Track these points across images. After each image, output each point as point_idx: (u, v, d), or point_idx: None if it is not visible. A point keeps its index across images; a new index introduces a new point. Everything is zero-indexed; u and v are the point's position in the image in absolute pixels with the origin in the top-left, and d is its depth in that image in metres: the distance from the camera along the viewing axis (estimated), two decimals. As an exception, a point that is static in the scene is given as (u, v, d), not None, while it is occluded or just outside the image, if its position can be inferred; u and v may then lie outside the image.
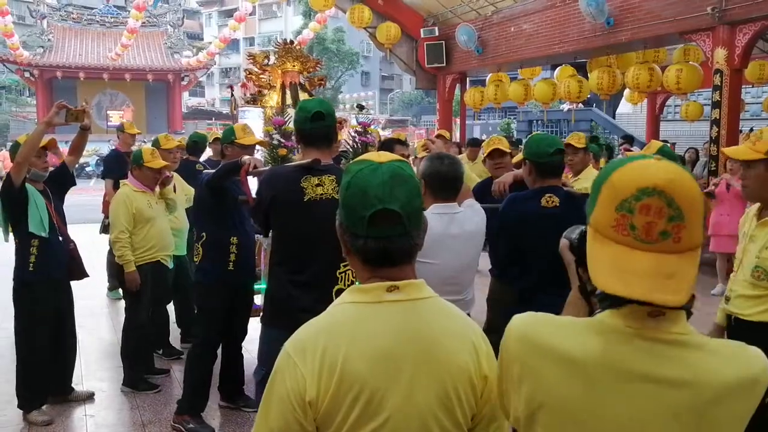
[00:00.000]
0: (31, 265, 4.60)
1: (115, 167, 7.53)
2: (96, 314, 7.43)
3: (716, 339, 1.33)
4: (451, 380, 1.51)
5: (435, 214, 3.28)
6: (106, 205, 7.69)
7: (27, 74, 35.58)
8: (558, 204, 3.46)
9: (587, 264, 1.32)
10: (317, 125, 3.25)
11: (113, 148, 8.48)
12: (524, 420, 1.38)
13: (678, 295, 1.20)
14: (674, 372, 1.26)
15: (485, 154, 5.12)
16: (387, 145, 5.31)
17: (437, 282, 3.33)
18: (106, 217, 7.35)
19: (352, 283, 3.15)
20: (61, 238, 4.82)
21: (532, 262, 3.52)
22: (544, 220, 3.41)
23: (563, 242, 1.83)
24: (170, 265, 5.52)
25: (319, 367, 1.45)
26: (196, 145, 7.82)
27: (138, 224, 5.22)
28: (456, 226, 3.31)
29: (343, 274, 3.29)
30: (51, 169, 4.85)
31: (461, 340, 1.56)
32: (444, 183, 3.31)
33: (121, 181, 5.54)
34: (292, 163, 3.70)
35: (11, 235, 4.78)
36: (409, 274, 1.57)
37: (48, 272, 4.69)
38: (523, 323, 1.39)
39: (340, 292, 2.63)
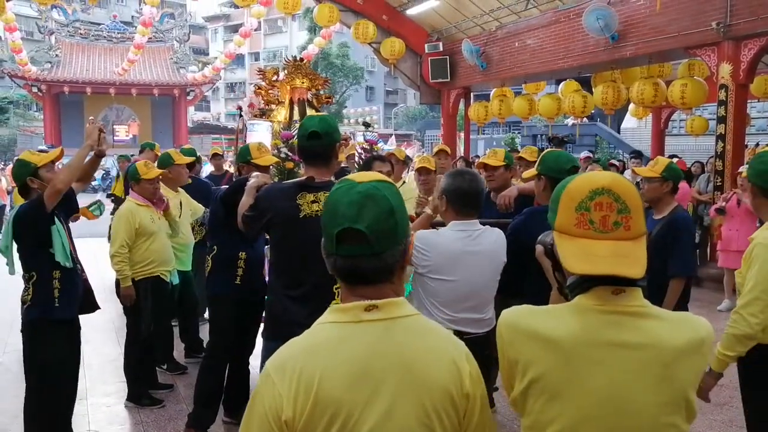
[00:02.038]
0: (56, 300, 4.10)
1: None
2: (99, 329, 7.42)
3: (668, 310, 1.67)
4: (431, 400, 1.50)
5: (454, 231, 3.30)
6: None
7: (35, 89, 35.72)
8: None
9: (560, 261, 1.60)
10: (313, 143, 3.27)
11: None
12: (520, 396, 1.63)
13: (635, 268, 1.51)
14: (638, 337, 1.55)
15: (414, 169, 5.23)
16: (367, 163, 5.34)
17: (454, 299, 3.34)
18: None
19: None
20: (79, 268, 4.37)
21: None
22: None
23: (539, 248, 2.18)
24: (171, 279, 5.53)
25: (296, 387, 1.46)
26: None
27: (139, 238, 5.24)
28: (476, 243, 3.33)
29: (339, 290, 3.28)
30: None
31: (442, 358, 1.55)
32: (465, 199, 3.36)
33: (127, 197, 5.54)
34: (289, 181, 3.74)
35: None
36: (388, 293, 1.56)
37: (72, 307, 4.27)
38: (510, 314, 1.67)
39: None
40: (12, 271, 4.29)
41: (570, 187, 1.61)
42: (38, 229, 4.05)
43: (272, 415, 1.47)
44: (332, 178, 3.39)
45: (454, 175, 3.43)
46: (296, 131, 5.20)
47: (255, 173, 3.99)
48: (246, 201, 3.59)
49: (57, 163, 4.30)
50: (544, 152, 3.85)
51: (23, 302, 4.16)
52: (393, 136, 29.96)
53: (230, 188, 4.36)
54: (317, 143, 3.27)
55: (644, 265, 1.53)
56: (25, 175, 4.13)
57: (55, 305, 4.12)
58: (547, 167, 3.64)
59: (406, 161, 6.11)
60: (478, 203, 3.42)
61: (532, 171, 3.83)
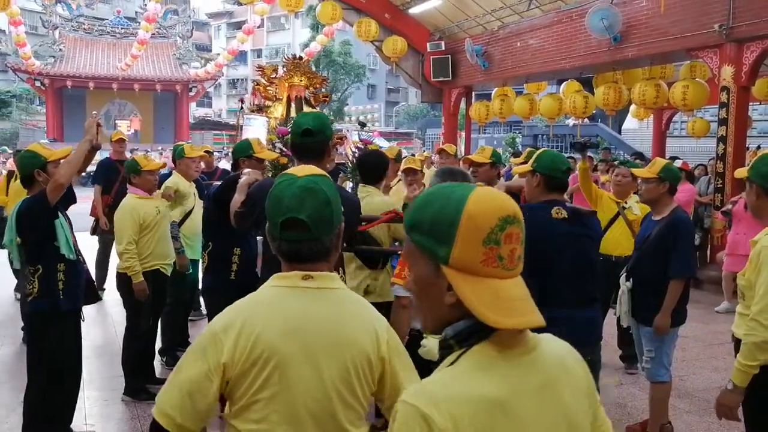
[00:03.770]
0: (61, 292, 4.14)
1: (104, 174, 8.34)
2: (96, 322, 7.43)
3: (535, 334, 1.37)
4: (351, 357, 1.76)
5: None
6: (93, 209, 8.32)
7: (38, 83, 35.81)
8: (567, 216, 3.54)
9: (467, 305, 1.24)
10: (305, 141, 3.27)
11: (107, 156, 8.70)
12: None
13: (538, 315, 1.26)
14: (551, 367, 1.32)
15: (401, 170, 5.42)
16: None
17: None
18: (96, 219, 8.28)
19: None
20: (81, 260, 4.39)
21: (546, 274, 3.52)
22: (557, 230, 3.50)
23: None
24: (170, 273, 5.55)
25: (236, 336, 1.71)
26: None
27: (142, 232, 5.24)
28: None
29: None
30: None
31: (364, 325, 1.82)
32: None
33: (128, 193, 5.51)
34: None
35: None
36: (323, 268, 1.83)
37: (77, 299, 4.30)
38: (424, 405, 1.21)
39: None
40: (17, 265, 4.30)
41: (472, 211, 1.25)
42: (42, 223, 4.08)
43: (212, 356, 1.72)
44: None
45: (443, 174, 3.41)
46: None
47: (246, 170, 4.02)
48: (238, 198, 3.60)
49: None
50: (539, 151, 3.86)
51: (27, 295, 4.17)
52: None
53: (221, 186, 4.40)
54: (310, 140, 3.27)
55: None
56: (34, 166, 4.16)
57: (61, 297, 4.15)
58: (543, 165, 3.63)
59: (399, 159, 6.13)
60: None
61: (524, 167, 3.84)
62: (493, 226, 1.24)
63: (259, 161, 4.64)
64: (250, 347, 1.70)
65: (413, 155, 7.61)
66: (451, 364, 1.27)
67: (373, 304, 2.03)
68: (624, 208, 5.84)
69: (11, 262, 4.60)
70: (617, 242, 5.74)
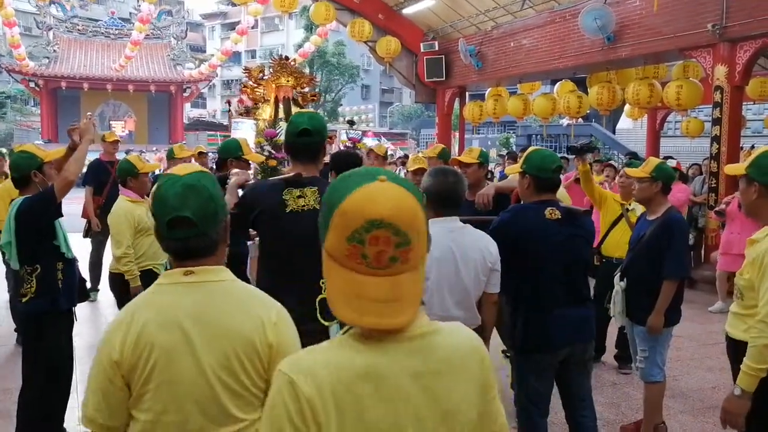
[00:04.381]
0: (60, 291, 4.14)
1: (95, 175, 8.30)
2: (90, 322, 7.39)
3: (441, 324, 1.44)
4: (233, 347, 1.84)
5: (439, 227, 3.28)
6: (84, 210, 8.27)
7: (32, 84, 35.67)
8: (560, 216, 3.53)
9: (327, 292, 1.36)
10: (303, 141, 3.28)
11: (97, 157, 8.65)
12: None
13: (406, 314, 1.31)
14: (436, 357, 1.37)
15: (410, 171, 5.44)
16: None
17: (438, 295, 3.30)
18: (88, 221, 8.23)
19: None
20: (75, 258, 4.38)
21: (540, 273, 3.54)
22: (550, 231, 3.50)
23: None
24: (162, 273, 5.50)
25: (124, 334, 1.83)
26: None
27: (135, 235, 5.17)
28: (461, 239, 3.30)
29: (324, 284, 3.27)
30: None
31: (248, 314, 1.89)
32: (446, 200, 3.34)
33: (120, 195, 5.44)
34: (274, 177, 3.76)
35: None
36: (211, 263, 1.93)
37: (74, 297, 4.31)
38: (293, 373, 1.33)
39: (324, 301, 2.64)
40: (15, 265, 4.21)
41: (345, 206, 1.30)
42: (44, 222, 4.05)
43: (107, 359, 1.83)
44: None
45: (436, 174, 3.40)
46: (280, 129, 5.20)
47: (235, 170, 3.99)
48: (229, 200, 3.57)
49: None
50: (528, 150, 3.84)
51: (22, 296, 4.11)
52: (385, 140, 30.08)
53: None
54: (308, 140, 3.28)
55: (416, 308, 1.34)
56: (31, 167, 4.11)
57: (60, 296, 4.15)
58: (531, 165, 3.61)
59: (386, 156, 6.16)
60: (460, 203, 3.41)
61: (515, 167, 3.83)
62: (358, 226, 1.28)
63: (246, 163, 4.60)
64: (134, 343, 1.82)
65: (407, 156, 7.62)
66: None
67: None
68: (628, 210, 5.81)
69: (7, 265, 4.54)
70: (618, 244, 5.70)
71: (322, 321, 3.11)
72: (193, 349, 1.82)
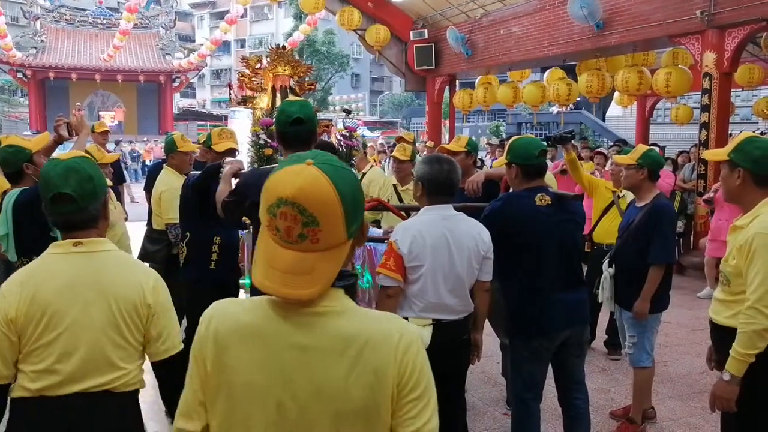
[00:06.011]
0: None
1: None
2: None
3: (363, 310, 1.51)
4: (117, 305, 2.19)
5: (433, 215, 3.28)
6: None
7: (20, 75, 35.32)
8: (551, 202, 3.56)
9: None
10: (296, 129, 3.26)
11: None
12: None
13: (309, 289, 1.39)
14: (330, 336, 1.43)
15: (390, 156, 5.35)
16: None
17: (433, 283, 3.29)
18: None
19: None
20: None
21: (534, 259, 3.57)
22: (543, 217, 3.52)
23: None
24: None
25: (18, 296, 2.14)
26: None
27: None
28: (454, 226, 3.30)
29: None
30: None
31: (130, 279, 2.24)
32: (441, 187, 3.32)
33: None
34: (269, 166, 3.74)
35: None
36: (93, 235, 2.24)
37: None
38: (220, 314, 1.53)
39: None
40: (13, 257, 4.13)
41: (267, 183, 1.46)
42: (41, 212, 3.97)
43: (2, 317, 2.12)
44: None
45: (430, 161, 3.40)
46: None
47: (228, 159, 3.99)
48: (224, 188, 3.57)
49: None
50: (511, 139, 3.85)
51: None
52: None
53: (202, 175, 4.35)
54: (301, 129, 3.27)
55: (326, 284, 1.42)
56: (22, 161, 4.02)
57: None
58: (515, 155, 3.63)
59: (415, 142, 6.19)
60: (454, 191, 3.40)
61: (501, 160, 3.85)
62: (272, 202, 1.41)
63: (216, 153, 4.74)
64: (27, 305, 2.12)
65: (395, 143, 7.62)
66: None
67: None
68: (619, 197, 5.84)
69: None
70: (609, 231, 5.69)
71: None
72: (85, 308, 2.15)
